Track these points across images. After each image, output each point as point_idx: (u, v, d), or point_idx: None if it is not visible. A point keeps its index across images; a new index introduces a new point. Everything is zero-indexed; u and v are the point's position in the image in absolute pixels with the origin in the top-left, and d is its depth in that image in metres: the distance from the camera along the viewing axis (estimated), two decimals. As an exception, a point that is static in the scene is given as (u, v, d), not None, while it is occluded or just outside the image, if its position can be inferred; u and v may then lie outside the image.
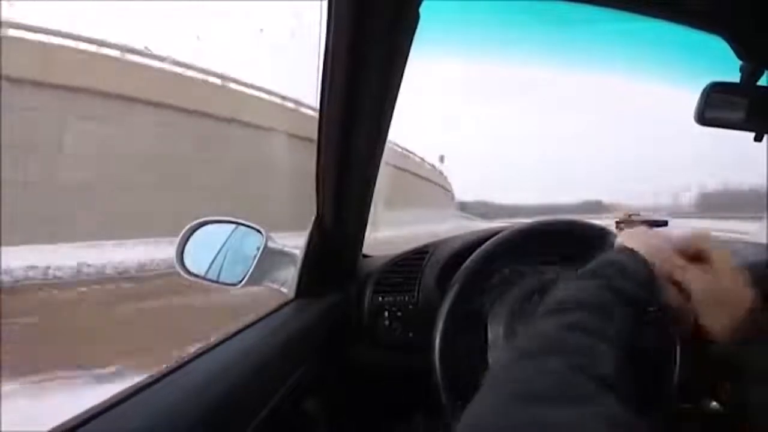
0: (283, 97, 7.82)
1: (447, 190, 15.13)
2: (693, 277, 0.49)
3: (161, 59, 6.37)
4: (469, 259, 0.80)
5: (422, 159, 12.53)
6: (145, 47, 6.20)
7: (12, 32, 5.20)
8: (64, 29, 5.61)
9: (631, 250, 0.50)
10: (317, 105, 0.62)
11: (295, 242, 0.83)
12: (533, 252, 0.81)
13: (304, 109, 7.41)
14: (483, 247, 0.80)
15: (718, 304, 0.48)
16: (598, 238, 0.76)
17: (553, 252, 0.81)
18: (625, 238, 0.55)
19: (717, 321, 0.47)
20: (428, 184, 13.06)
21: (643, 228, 0.58)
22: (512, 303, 0.75)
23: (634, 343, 0.41)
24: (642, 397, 0.61)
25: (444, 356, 0.73)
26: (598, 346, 0.36)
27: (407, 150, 10.87)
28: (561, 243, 0.80)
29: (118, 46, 6.07)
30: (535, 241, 0.82)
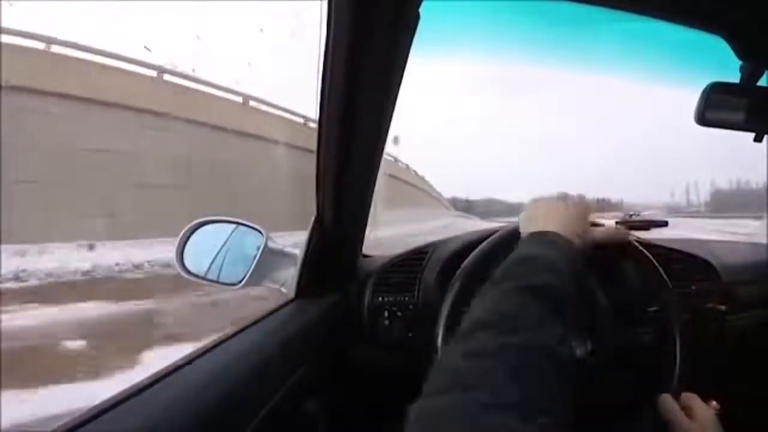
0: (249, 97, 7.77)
1: (426, 191, 15.24)
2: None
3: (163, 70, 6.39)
4: (467, 259, 0.80)
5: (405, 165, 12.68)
6: (145, 47, 6.20)
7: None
8: (66, 32, 5.61)
9: (544, 234, 0.50)
10: (317, 105, 0.62)
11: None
12: None
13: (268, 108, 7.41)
14: (482, 246, 0.80)
15: None
16: None
17: None
18: (532, 220, 0.55)
19: None
20: (409, 186, 13.17)
21: (548, 202, 0.58)
22: None
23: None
24: (642, 397, 0.61)
25: None
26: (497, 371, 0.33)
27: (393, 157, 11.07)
28: None
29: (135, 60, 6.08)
30: None
